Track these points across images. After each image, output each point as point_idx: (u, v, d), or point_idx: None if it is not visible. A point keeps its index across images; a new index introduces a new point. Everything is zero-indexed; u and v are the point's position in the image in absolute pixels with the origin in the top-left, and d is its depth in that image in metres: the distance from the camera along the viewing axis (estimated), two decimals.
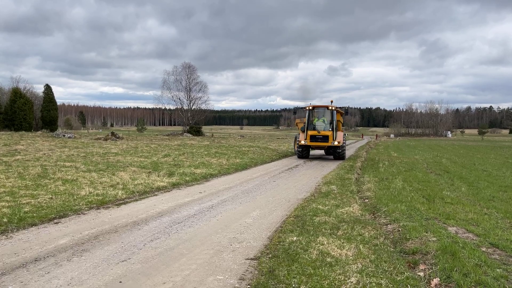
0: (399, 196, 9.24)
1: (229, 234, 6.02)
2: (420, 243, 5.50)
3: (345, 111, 24.30)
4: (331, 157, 22.49)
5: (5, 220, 6.15)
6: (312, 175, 13.99)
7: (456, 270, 4.46)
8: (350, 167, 16.70)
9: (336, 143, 19.56)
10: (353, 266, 4.63)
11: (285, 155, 22.83)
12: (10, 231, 5.75)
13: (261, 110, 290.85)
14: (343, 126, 23.64)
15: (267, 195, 9.63)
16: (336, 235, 5.91)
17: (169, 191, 9.69)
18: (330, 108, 20.15)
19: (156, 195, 9.11)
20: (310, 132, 19.70)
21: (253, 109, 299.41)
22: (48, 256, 4.77)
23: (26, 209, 6.89)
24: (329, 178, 12.74)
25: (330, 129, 19.82)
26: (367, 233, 6.07)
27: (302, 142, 19.88)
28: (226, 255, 5.05)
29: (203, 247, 5.37)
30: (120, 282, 4.09)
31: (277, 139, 50.05)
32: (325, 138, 19.70)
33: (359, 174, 14.46)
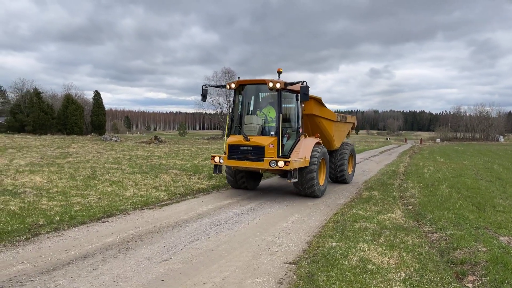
0: (446, 203, 8.80)
1: (267, 238, 6.02)
2: (469, 253, 5.20)
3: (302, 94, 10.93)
4: (371, 160, 19.77)
5: (57, 218, 6.55)
6: (353, 180, 13.67)
7: (507, 282, 4.18)
8: (393, 172, 16.14)
9: (281, 163, 8.39)
10: (396, 274, 4.46)
11: None
12: (61, 228, 6.11)
13: None
14: (354, 131, 14.69)
15: (305, 199, 9.53)
16: (378, 242, 5.73)
17: (209, 193, 9.87)
18: (274, 85, 8.74)
19: (197, 197, 9.31)
20: (230, 140, 9.21)
21: None
22: (96, 253, 5.02)
23: (76, 208, 7.30)
24: (370, 184, 12.40)
25: (272, 133, 8.92)
26: (411, 241, 5.83)
27: (216, 159, 9.43)
28: (265, 259, 5.05)
29: (242, 249, 5.42)
30: (162, 280, 4.22)
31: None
32: (258, 152, 8.70)
33: (402, 179, 13.94)
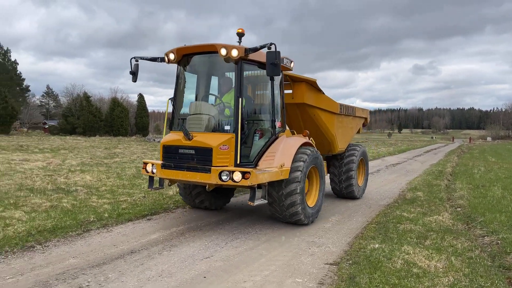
0: (498, 205, 8.28)
1: (307, 238, 5.98)
2: None
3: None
4: (415, 160, 18.30)
5: (106, 215, 6.89)
6: (396, 180, 13.24)
7: None
8: (439, 172, 15.43)
9: (237, 176, 5.39)
10: (444, 279, 4.27)
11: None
12: (110, 225, 6.43)
13: None
14: (364, 128, 11.59)
15: (346, 199, 9.36)
16: (424, 245, 5.51)
17: (247, 193, 9.95)
18: (229, 53, 5.55)
19: (236, 196, 9.43)
20: (166, 139, 6.20)
21: None
22: (142, 249, 5.24)
23: (123, 206, 7.65)
24: (414, 184, 11.93)
25: (228, 129, 5.77)
26: (459, 244, 5.55)
27: (148, 168, 6.23)
28: (305, 259, 5.02)
29: (282, 249, 5.42)
30: (205, 277, 4.32)
31: (356, 143, 48.32)
32: (203, 158, 5.64)
33: (449, 180, 13.30)
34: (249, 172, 5.36)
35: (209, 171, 5.48)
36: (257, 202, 5.65)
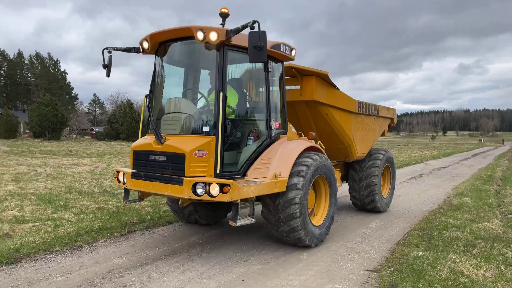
0: None
1: (346, 243, 5.87)
2: None
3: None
4: (461, 164, 17.44)
5: (148, 217, 7.14)
6: (441, 185, 12.66)
7: None
8: (488, 177, 14.58)
9: (214, 190, 4.36)
10: None
11: (407, 163, 21.15)
12: (152, 227, 6.65)
13: None
14: (390, 129, 9.88)
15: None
16: (471, 253, 5.22)
17: None
18: (207, 36, 4.48)
19: None
20: (136, 143, 5.25)
21: None
22: (182, 251, 5.37)
23: (164, 209, 7.89)
24: (461, 189, 11.35)
25: (207, 130, 4.77)
26: (510, 253, 5.22)
27: (120, 177, 5.39)
28: (344, 265, 4.93)
29: (320, 254, 5.35)
30: (243, 280, 4.36)
31: (397, 146, 46.82)
32: (174, 166, 4.63)
33: (499, 185, 12.52)
34: (228, 185, 4.25)
35: (181, 182, 4.43)
36: (240, 222, 4.51)
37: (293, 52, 5.64)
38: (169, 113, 5.14)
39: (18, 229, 6.09)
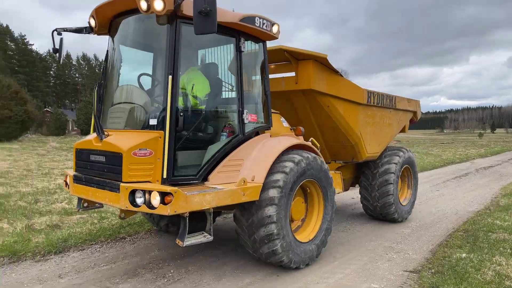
0: None
1: (384, 243, 5.73)
2: None
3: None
4: (511, 163, 16.28)
5: None
6: (488, 185, 12.00)
7: None
8: None
9: (155, 199, 3.46)
10: None
11: (451, 162, 20.23)
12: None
13: (421, 112, 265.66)
14: (412, 123, 8.31)
15: (428, 205, 8.73)
16: None
17: None
18: (150, 4, 3.56)
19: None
20: (80, 141, 4.37)
21: None
22: (217, 246, 5.48)
23: None
24: (510, 189, 10.70)
25: (154, 123, 3.85)
26: None
27: (68, 181, 4.42)
28: (382, 264, 4.82)
29: (356, 252, 5.27)
30: (277, 276, 4.39)
31: (441, 144, 44.83)
32: (111, 168, 3.78)
33: None
34: (170, 194, 3.39)
35: (117, 189, 3.61)
36: (189, 241, 3.66)
37: (274, 28, 4.62)
38: (117, 103, 4.25)
39: (66, 220, 6.49)
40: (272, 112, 5.00)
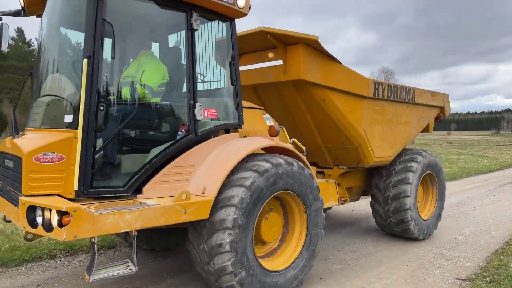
0: None
1: (434, 249, 5.47)
2: None
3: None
4: None
5: None
6: None
7: None
8: None
9: (53, 222, 2.68)
10: None
11: (508, 165, 18.87)
12: None
13: (475, 112, 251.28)
14: (438, 121, 6.90)
15: (484, 210, 8.21)
16: None
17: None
18: None
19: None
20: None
21: (463, 112, 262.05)
22: None
23: None
24: None
25: (69, 121, 3.08)
26: None
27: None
28: (432, 271, 4.61)
29: (404, 258, 5.08)
30: (321, 278, 4.34)
31: (497, 146, 41.96)
32: (15, 176, 3.05)
33: None
34: (69, 214, 2.62)
35: (17, 203, 2.88)
36: (99, 276, 2.85)
37: (240, 2, 3.75)
38: (42, 96, 3.46)
39: None
40: (253, 108, 4.44)
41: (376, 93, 5.21)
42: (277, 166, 3.55)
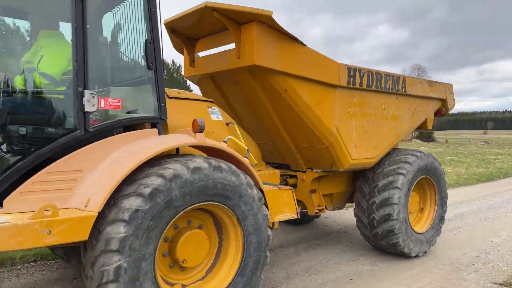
0: None
1: (470, 252, 5.27)
2: None
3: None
4: None
5: None
6: None
7: None
8: None
9: None
10: None
11: None
12: None
13: None
14: (439, 115, 6.07)
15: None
16: None
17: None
18: None
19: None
20: None
21: (501, 110, 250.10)
22: (289, 245, 5.51)
23: None
24: None
25: None
26: None
27: None
28: (467, 275, 4.45)
29: (437, 261, 4.93)
30: (351, 279, 4.29)
31: None
32: None
33: None
34: None
35: None
36: None
37: None
38: None
39: None
40: (196, 100, 3.88)
41: (352, 81, 4.35)
42: (193, 172, 2.77)
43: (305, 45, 3.92)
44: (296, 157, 4.64)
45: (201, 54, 4.47)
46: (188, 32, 4.27)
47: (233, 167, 3.08)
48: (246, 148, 3.85)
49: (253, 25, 3.58)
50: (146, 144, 2.88)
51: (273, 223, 3.70)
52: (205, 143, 3.08)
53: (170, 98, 3.58)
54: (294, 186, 4.64)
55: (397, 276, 4.40)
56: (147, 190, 2.57)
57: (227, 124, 3.97)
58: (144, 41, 3.09)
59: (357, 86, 4.41)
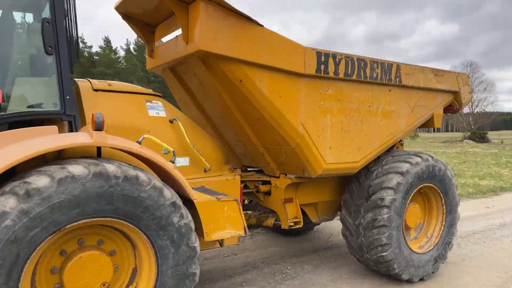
0: None
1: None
2: None
3: None
4: None
5: None
6: None
7: None
8: None
9: None
10: None
11: None
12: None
13: None
14: (451, 112, 5.18)
15: None
16: None
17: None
18: None
19: None
20: None
21: None
22: (333, 247, 5.45)
23: None
24: None
25: None
26: None
27: None
28: None
29: (492, 269, 4.66)
30: (399, 286, 4.16)
31: None
32: None
33: None
34: None
35: None
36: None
37: None
38: None
39: None
40: (130, 92, 3.37)
41: (323, 69, 3.54)
42: (76, 180, 2.16)
43: (262, 25, 3.24)
44: (267, 159, 3.95)
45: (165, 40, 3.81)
46: (144, 18, 3.68)
47: (141, 174, 2.42)
48: (172, 150, 3.14)
49: (197, 3, 2.98)
50: (15, 147, 2.30)
51: (222, 240, 3.20)
52: (105, 143, 2.43)
53: (96, 90, 3.12)
54: (268, 193, 4.10)
55: (449, 284, 4.21)
56: (9, 204, 2.00)
57: (170, 121, 3.42)
58: (42, 20, 2.53)
59: (331, 75, 3.60)
